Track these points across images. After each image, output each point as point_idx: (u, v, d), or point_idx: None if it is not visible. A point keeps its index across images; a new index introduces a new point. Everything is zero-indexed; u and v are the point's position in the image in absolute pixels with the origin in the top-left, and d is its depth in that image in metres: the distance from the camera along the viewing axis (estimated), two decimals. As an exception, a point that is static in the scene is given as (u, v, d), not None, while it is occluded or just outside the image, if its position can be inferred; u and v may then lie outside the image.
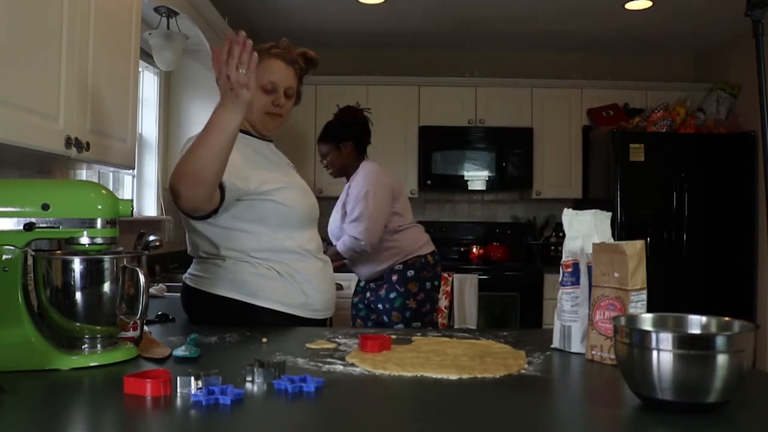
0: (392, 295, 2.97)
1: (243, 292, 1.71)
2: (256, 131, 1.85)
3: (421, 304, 2.98)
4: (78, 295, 1.20)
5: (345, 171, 3.09)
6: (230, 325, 1.63)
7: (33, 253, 1.22)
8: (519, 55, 5.07)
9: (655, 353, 0.93)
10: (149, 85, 3.77)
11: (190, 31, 3.29)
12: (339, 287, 4.19)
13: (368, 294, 3.09)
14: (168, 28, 3.20)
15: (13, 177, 2.14)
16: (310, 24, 4.41)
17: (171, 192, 1.55)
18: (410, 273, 3.00)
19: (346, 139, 3.02)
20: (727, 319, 1.07)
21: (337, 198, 3.11)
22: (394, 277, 2.98)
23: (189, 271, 1.83)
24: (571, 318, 1.41)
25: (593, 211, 1.44)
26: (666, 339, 0.93)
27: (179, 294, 1.87)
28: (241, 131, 1.80)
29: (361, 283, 3.17)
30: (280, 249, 1.75)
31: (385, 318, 2.98)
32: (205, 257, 1.78)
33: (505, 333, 1.60)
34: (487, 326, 4.36)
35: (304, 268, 1.77)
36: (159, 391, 1.01)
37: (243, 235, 1.73)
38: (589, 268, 1.38)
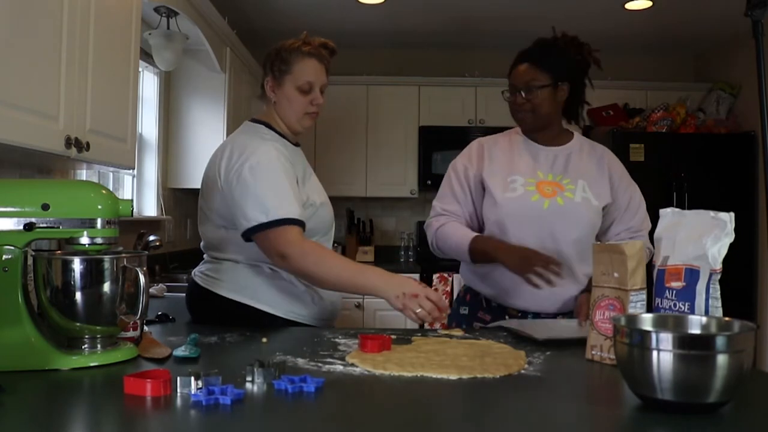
0: None
1: (254, 297, 1.69)
2: (292, 132, 1.83)
3: None
4: (78, 295, 1.20)
5: (543, 124, 1.92)
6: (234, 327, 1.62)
7: (33, 253, 1.22)
8: (519, 55, 5.07)
9: (655, 353, 0.93)
10: (149, 85, 3.77)
11: (190, 31, 3.29)
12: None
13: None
14: (168, 28, 3.19)
15: (13, 177, 2.14)
16: (310, 24, 4.40)
17: (292, 261, 1.59)
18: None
19: (566, 79, 1.90)
20: (727, 319, 1.07)
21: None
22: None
23: (200, 269, 1.80)
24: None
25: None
26: (666, 339, 0.93)
27: (179, 294, 1.86)
28: (279, 134, 1.79)
29: (529, 317, 1.85)
30: None
31: None
32: (218, 258, 1.75)
33: (505, 333, 1.60)
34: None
35: None
36: (159, 391, 1.00)
37: None
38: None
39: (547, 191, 1.84)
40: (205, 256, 1.82)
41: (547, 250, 1.77)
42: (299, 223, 1.62)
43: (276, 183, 1.63)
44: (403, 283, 1.55)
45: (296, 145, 1.86)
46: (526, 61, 1.89)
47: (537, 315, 1.85)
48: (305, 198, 1.72)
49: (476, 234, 1.85)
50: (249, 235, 1.63)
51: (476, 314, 1.93)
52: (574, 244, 1.82)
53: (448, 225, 1.91)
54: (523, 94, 1.86)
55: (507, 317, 1.85)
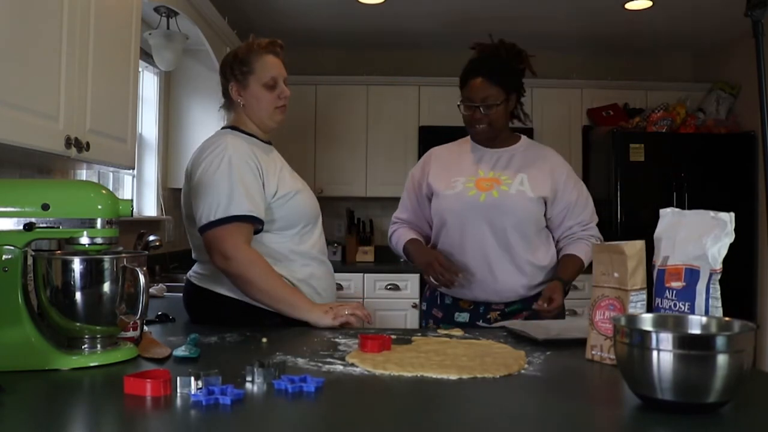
0: None
1: None
2: (263, 129, 1.85)
3: None
4: (78, 295, 1.21)
5: (497, 135, 2.05)
6: (232, 325, 1.63)
7: (33, 253, 1.22)
8: (519, 55, 5.07)
9: (655, 353, 0.93)
10: (149, 85, 3.77)
11: (190, 31, 3.29)
12: (338, 287, 4.20)
13: (493, 324, 1.97)
14: (168, 28, 3.20)
15: (13, 177, 2.14)
16: (310, 24, 4.41)
17: (235, 264, 1.63)
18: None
19: (515, 90, 2.03)
20: (727, 319, 1.07)
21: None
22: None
23: (194, 269, 1.81)
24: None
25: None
26: (666, 339, 0.93)
27: (179, 294, 1.86)
28: (247, 134, 1.81)
29: (481, 308, 2.03)
30: (288, 255, 1.74)
31: None
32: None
33: (505, 333, 1.60)
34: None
35: (310, 274, 1.77)
36: (159, 391, 1.01)
37: (254, 242, 1.71)
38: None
39: (484, 186, 2.00)
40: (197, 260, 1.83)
41: (486, 240, 1.95)
42: (249, 220, 1.65)
43: (226, 180, 1.65)
44: (326, 304, 1.72)
45: (267, 143, 1.87)
46: (480, 76, 1.98)
47: (487, 306, 2.00)
48: (273, 190, 1.72)
49: (410, 238, 2.11)
50: (201, 233, 1.67)
51: (431, 311, 2.12)
52: (513, 233, 1.95)
53: (397, 231, 2.18)
54: (482, 111, 1.99)
55: (457, 314, 2.03)
